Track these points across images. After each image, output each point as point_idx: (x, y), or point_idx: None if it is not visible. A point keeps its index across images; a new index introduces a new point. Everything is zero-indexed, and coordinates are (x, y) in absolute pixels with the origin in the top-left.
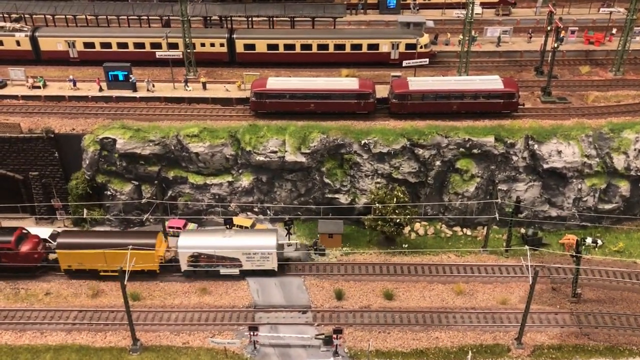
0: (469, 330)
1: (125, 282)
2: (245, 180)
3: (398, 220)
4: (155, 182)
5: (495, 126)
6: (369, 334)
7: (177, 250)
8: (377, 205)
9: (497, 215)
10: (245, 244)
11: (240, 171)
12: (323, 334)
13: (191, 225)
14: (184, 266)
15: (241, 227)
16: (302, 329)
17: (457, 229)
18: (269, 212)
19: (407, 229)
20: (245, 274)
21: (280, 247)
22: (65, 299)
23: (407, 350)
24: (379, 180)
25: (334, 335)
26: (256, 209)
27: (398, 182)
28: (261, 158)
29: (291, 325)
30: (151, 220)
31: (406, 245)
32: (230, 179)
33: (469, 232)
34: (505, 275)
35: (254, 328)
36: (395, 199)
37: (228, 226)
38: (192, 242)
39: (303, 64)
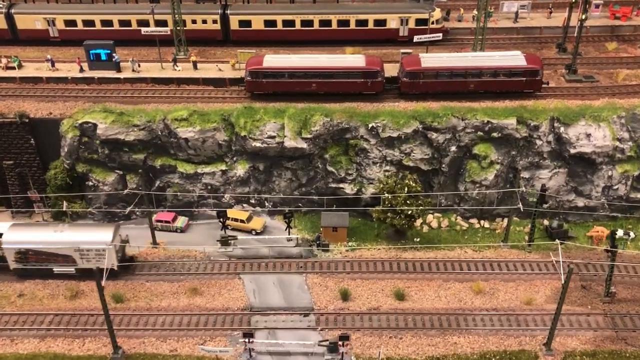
0: (491, 335)
1: (102, 283)
2: (241, 169)
3: (410, 212)
4: (140, 170)
5: (516, 107)
6: (378, 339)
7: (2, 246)
8: (386, 195)
9: (520, 205)
10: (78, 240)
11: (234, 159)
12: (327, 340)
13: (181, 219)
14: (12, 264)
15: (236, 220)
16: (304, 335)
17: (474, 221)
18: (266, 204)
19: (418, 222)
20: (81, 274)
21: (122, 242)
22: (40, 301)
23: (422, 357)
24: (388, 168)
25: (340, 342)
26: (253, 201)
27: (409, 170)
28: (258, 144)
29: (291, 330)
30: (137, 213)
31: (418, 240)
32: (223, 167)
33: (487, 225)
34: (529, 272)
35: (249, 334)
36: (406, 189)
37: (222, 220)
38: (18, 236)
39: (304, 43)
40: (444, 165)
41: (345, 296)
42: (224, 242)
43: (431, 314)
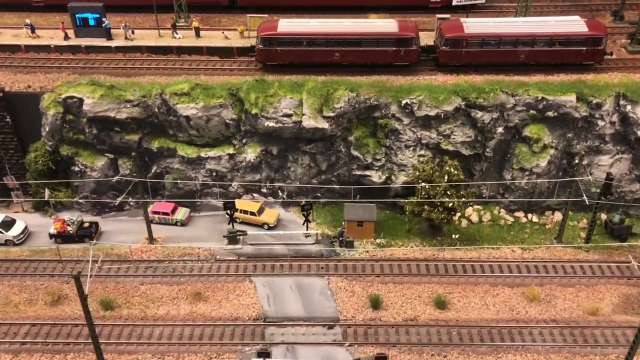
0: (553, 353)
1: (86, 290)
2: (251, 153)
3: (450, 205)
4: (133, 154)
5: (575, 81)
6: (418, 357)
7: None
8: (422, 184)
9: (585, 197)
10: None
11: (244, 141)
12: (358, 359)
13: (182, 210)
14: None
15: (246, 212)
16: (330, 352)
17: (520, 214)
18: (280, 194)
19: (457, 216)
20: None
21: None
22: (15, 308)
23: None
24: (422, 152)
25: None
26: (265, 190)
27: (448, 155)
28: (271, 123)
29: (314, 345)
30: (131, 204)
31: (457, 236)
32: (231, 150)
33: (535, 219)
34: (590, 275)
35: (264, 354)
36: (446, 177)
37: (229, 212)
38: None
39: (321, 9)
40: (488, 150)
41: (376, 304)
42: (232, 238)
43: (479, 326)
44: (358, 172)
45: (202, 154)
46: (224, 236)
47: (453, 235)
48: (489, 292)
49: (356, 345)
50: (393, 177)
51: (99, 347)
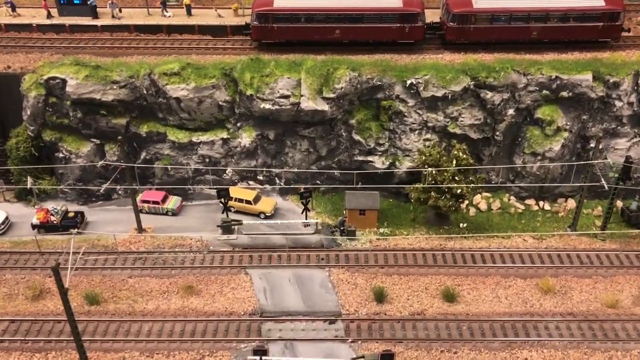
0: (572, 348)
1: (66, 284)
2: (246, 138)
3: (459, 191)
4: (119, 137)
5: (590, 60)
6: (427, 354)
7: None
8: (429, 170)
9: (603, 182)
10: None
11: (238, 125)
12: (363, 357)
13: (173, 199)
14: None
15: (241, 200)
16: (332, 349)
17: (531, 202)
18: (277, 181)
19: (464, 204)
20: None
21: None
22: None
23: None
24: (428, 136)
25: None
26: (261, 177)
27: (456, 139)
28: (267, 105)
29: (315, 342)
30: (119, 192)
31: (465, 225)
32: (224, 135)
33: (547, 206)
34: (608, 265)
35: (261, 351)
36: (454, 162)
37: (223, 200)
38: None
39: None
40: (498, 134)
41: (380, 297)
42: (226, 227)
43: (491, 320)
44: (360, 158)
45: (194, 139)
46: (218, 226)
47: (461, 224)
48: (501, 284)
49: (360, 342)
50: (397, 163)
51: (82, 344)
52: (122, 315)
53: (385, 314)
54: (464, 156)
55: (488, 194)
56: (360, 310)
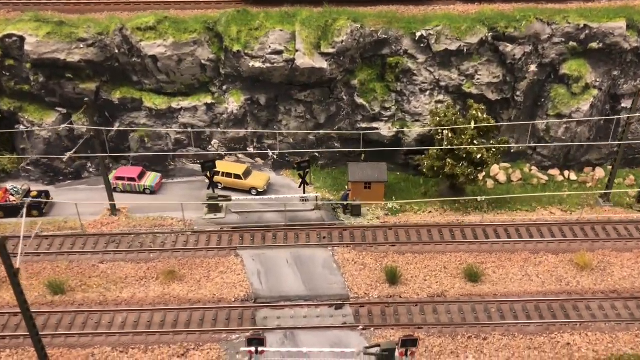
0: (620, 330)
1: (17, 264)
2: (233, 103)
3: (480, 157)
4: (86, 100)
5: (621, 6)
6: (452, 341)
7: None
8: (445, 132)
9: None
10: None
11: (224, 88)
12: (379, 345)
13: (151, 175)
14: None
15: (229, 175)
16: (340, 337)
17: (555, 171)
18: (270, 153)
19: (481, 175)
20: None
21: None
22: None
23: None
24: (441, 97)
25: (402, 349)
26: (251, 149)
27: (472, 100)
28: (257, 64)
29: (319, 330)
30: (91, 170)
31: (483, 198)
32: (209, 100)
33: (573, 176)
34: None
35: (257, 339)
36: (472, 123)
37: (208, 173)
38: None
39: None
40: (518, 94)
41: (393, 278)
42: (213, 205)
43: (523, 300)
44: (363, 125)
45: (174, 105)
46: (203, 203)
47: (478, 198)
48: (530, 261)
49: (373, 329)
50: (406, 130)
51: (40, 339)
52: (91, 305)
53: (400, 297)
54: (484, 116)
55: (507, 164)
56: (371, 293)
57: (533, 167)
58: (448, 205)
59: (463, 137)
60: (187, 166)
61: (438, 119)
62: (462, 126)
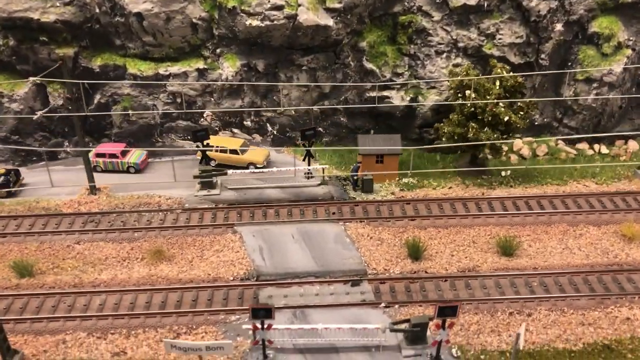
0: None
1: None
2: (228, 68)
3: (507, 119)
4: (59, 60)
5: None
6: (491, 318)
7: None
8: (466, 92)
9: None
10: None
11: (218, 51)
12: (407, 320)
13: (136, 152)
14: None
15: (224, 151)
16: (358, 316)
17: (583, 145)
18: (269, 127)
19: (503, 151)
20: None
21: None
22: None
23: (578, 345)
24: (459, 60)
25: (435, 322)
26: (248, 122)
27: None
28: (255, 22)
29: (334, 308)
30: (68, 150)
31: (508, 173)
32: (200, 65)
33: (604, 150)
34: None
35: (263, 310)
36: (498, 83)
37: (200, 144)
38: None
39: None
40: (543, 56)
41: (416, 252)
42: (206, 180)
43: (568, 272)
44: (373, 94)
45: (162, 71)
46: (195, 176)
47: (503, 173)
48: (569, 233)
49: (397, 306)
50: (420, 98)
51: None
52: (64, 288)
53: (426, 272)
54: (510, 74)
55: (531, 138)
56: (392, 269)
57: (559, 141)
58: (470, 180)
59: (488, 96)
60: (177, 143)
61: (459, 77)
62: (484, 87)
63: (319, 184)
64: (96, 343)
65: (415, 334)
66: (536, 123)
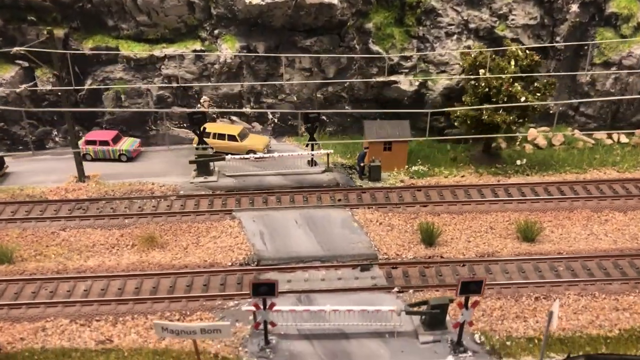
0: None
1: None
2: (227, 50)
3: (523, 99)
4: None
5: None
6: (515, 303)
7: None
8: (480, 72)
9: None
10: None
11: (216, 32)
12: (425, 302)
13: (128, 140)
14: None
15: (222, 137)
16: (369, 301)
17: (602, 134)
18: (270, 115)
19: (516, 139)
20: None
21: None
22: None
23: (612, 331)
24: (470, 43)
25: (459, 301)
26: (247, 108)
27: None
28: (255, 0)
29: (342, 293)
30: (57, 140)
31: (523, 162)
32: (197, 47)
33: (624, 139)
34: None
35: (264, 287)
36: (512, 63)
37: (196, 127)
38: None
39: None
40: (558, 38)
41: (430, 238)
42: (203, 165)
43: (596, 256)
44: (380, 79)
45: (156, 53)
46: (191, 161)
47: (518, 162)
48: (593, 219)
49: (412, 291)
50: (430, 83)
51: None
52: (46, 274)
53: (442, 257)
54: (526, 55)
55: (546, 128)
56: (404, 254)
57: (575, 130)
58: (483, 168)
59: (504, 76)
60: (172, 131)
61: (472, 57)
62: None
63: (324, 171)
64: (79, 330)
65: (434, 317)
66: (551, 111)
